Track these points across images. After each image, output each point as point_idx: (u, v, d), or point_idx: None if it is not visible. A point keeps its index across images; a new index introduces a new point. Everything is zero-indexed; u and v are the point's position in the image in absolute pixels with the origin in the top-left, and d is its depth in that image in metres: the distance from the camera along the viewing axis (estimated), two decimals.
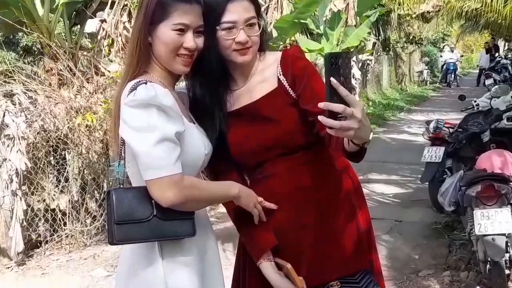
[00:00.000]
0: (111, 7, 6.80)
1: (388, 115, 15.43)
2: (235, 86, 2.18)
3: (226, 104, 2.16)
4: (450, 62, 24.62)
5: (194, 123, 2.06)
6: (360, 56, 15.41)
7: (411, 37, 26.27)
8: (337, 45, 14.87)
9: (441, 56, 27.13)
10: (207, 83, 2.09)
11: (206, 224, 2.13)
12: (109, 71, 6.39)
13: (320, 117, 1.64)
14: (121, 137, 1.91)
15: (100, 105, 5.79)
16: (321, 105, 1.62)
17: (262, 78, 2.14)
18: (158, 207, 1.84)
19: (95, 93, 5.95)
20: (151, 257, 1.92)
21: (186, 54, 1.96)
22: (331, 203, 2.14)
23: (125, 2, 6.57)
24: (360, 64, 15.51)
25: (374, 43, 18.58)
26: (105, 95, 5.88)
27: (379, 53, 20.99)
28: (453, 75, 24.90)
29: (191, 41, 1.94)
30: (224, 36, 2.01)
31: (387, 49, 22.51)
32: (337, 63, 1.66)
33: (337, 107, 1.60)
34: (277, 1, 9.47)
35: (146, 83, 1.88)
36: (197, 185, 1.90)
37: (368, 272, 2.15)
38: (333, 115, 1.64)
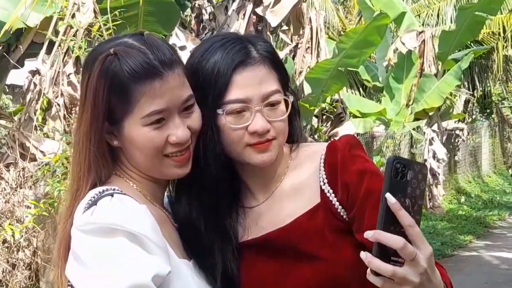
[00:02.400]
0: (49, 51, 6.95)
1: (492, 218, 15.32)
2: (251, 201, 2.19)
3: (236, 231, 2.17)
4: None
5: (190, 259, 2.07)
6: (444, 124, 15.52)
7: None
8: (407, 105, 15.03)
9: None
10: (203, 199, 2.11)
11: None
12: (43, 153, 6.46)
13: (363, 254, 1.63)
14: (69, 282, 1.93)
15: (28, 207, 5.83)
16: (369, 234, 1.62)
17: (295, 188, 2.14)
18: None
19: (20, 188, 6.00)
20: None
21: (177, 150, 2.00)
22: None
23: (72, 44, 6.72)
24: (445, 137, 15.58)
25: (467, 102, 18.78)
26: (36, 191, 5.93)
27: (474, 118, 21.16)
28: None
29: (179, 129, 1.97)
30: (231, 124, 2.01)
31: (488, 111, 22.72)
32: (405, 175, 1.65)
33: (394, 240, 1.61)
34: (311, 39, 9.64)
35: (112, 195, 1.90)
36: None
37: None
38: (385, 254, 1.65)
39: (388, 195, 1.62)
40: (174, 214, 2.15)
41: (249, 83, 2.02)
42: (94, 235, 1.83)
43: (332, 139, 2.25)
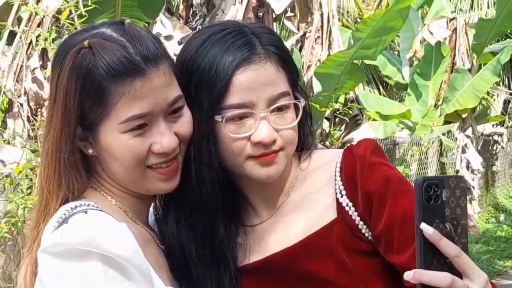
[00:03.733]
0: (9, 42, 6.98)
1: None
2: (253, 218, 2.20)
3: (235, 253, 2.17)
4: None
5: (179, 287, 2.09)
6: (480, 128, 15.53)
7: None
8: (436, 106, 15.02)
9: None
10: (195, 217, 2.12)
11: None
12: (3, 162, 6.49)
13: None
14: None
15: None
16: (409, 276, 1.60)
17: (305, 203, 2.15)
18: None
19: None
20: None
21: (162, 161, 2.01)
22: None
23: (37, 33, 6.75)
24: (481, 143, 15.60)
25: (507, 102, 18.78)
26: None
27: None
28: None
29: (164, 137, 1.97)
30: (231, 133, 2.01)
31: None
32: (439, 196, 1.67)
33: (439, 278, 1.61)
34: (321, 27, 9.66)
35: (86, 212, 1.91)
36: None
37: None
38: None
39: (423, 226, 1.62)
40: (161, 234, 2.15)
41: (253, 85, 2.01)
42: (64, 259, 1.83)
43: (348, 145, 2.19)
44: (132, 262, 1.86)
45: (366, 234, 2.05)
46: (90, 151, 1.98)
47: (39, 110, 6.62)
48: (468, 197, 14.83)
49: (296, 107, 2.05)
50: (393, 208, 1.96)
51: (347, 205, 2.07)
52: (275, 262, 2.11)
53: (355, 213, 2.06)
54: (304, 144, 2.18)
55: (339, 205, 2.08)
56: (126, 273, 1.85)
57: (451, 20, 14.42)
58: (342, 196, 2.08)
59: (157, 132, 1.96)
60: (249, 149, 2.02)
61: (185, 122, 2.01)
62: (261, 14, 8.29)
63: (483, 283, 1.63)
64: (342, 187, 2.09)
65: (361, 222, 2.06)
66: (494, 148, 17.53)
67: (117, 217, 1.96)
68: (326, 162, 2.17)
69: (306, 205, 2.15)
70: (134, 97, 1.92)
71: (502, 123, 17.20)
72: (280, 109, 2.02)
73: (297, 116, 2.06)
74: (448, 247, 1.59)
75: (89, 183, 2.03)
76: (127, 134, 1.94)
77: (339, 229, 2.07)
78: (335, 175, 2.12)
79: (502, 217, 17.01)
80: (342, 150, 2.14)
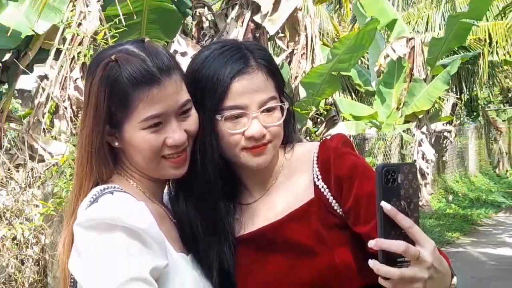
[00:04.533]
0: (56, 57, 6.96)
1: (479, 216, 15.37)
2: (247, 198, 2.19)
3: (233, 226, 2.17)
4: None
5: (188, 254, 2.07)
6: (433, 126, 15.54)
7: (510, 95, 26.59)
8: (398, 109, 15.05)
9: None
10: (201, 197, 2.12)
11: None
12: (50, 154, 6.46)
13: (371, 262, 1.65)
14: (71, 275, 1.94)
15: (36, 206, 5.83)
16: (372, 243, 1.63)
17: (290, 185, 2.15)
18: None
19: (29, 188, 6.00)
20: None
21: (174, 152, 2.00)
22: None
23: (78, 50, 6.72)
24: (433, 138, 15.61)
25: (455, 105, 18.82)
26: (44, 191, 5.93)
27: (462, 121, 21.19)
28: None
29: (176, 133, 1.97)
30: (229, 129, 2.03)
31: (475, 113, 22.75)
32: (396, 179, 1.68)
33: (396, 246, 1.62)
34: (306, 45, 9.64)
35: (112, 193, 1.92)
36: None
37: None
38: (391, 258, 1.66)
39: (383, 203, 1.64)
40: (173, 211, 2.16)
41: (247, 91, 2.02)
42: (95, 230, 1.84)
43: (323, 139, 2.24)
44: (149, 233, 1.87)
45: (338, 210, 2.06)
46: (116, 144, 1.99)
47: (79, 112, 6.60)
48: (423, 182, 14.86)
49: (282, 109, 2.07)
50: (359, 188, 1.97)
51: (322, 187, 2.08)
52: (265, 233, 2.12)
53: (329, 194, 2.07)
54: (289, 138, 2.19)
55: (316, 187, 2.09)
56: (145, 242, 1.85)
57: (409, 39, 14.39)
58: (318, 179, 2.10)
59: (170, 129, 1.98)
60: (243, 142, 2.04)
61: (192, 121, 2.03)
62: (258, 35, 8.26)
63: (431, 249, 1.65)
64: (318, 173, 2.10)
65: (334, 201, 2.07)
66: (444, 142, 17.55)
67: (137, 197, 1.97)
68: (306, 152, 2.18)
69: (290, 187, 2.16)
70: (151, 101, 1.93)
71: (450, 122, 17.24)
72: (268, 110, 2.04)
73: (282, 115, 2.08)
74: (403, 220, 1.61)
75: (115, 170, 2.04)
76: (145, 130, 1.96)
77: (316, 207, 2.08)
78: (313, 163, 2.13)
79: (450, 197, 17.06)
80: (318, 143, 2.16)
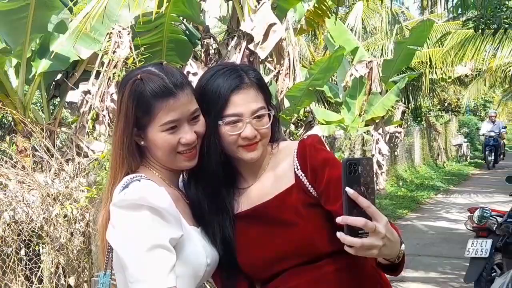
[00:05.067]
0: (97, 77, 6.95)
1: (423, 197, 15.41)
2: (243, 184, 2.18)
3: (232, 206, 2.15)
4: (489, 137, 21.53)
5: (198, 227, 2.07)
6: (387, 128, 15.54)
7: (446, 105, 26.58)
8: (360, 115, 15.07)
9: (478, 129, 25.31)
10: (207, 183, 2.11)
11: None
12: (93, 151, 6.45)
13: (338, 234, 1.68)
14: (109, 243, 1.94)
15: (82, 191, 5.82)
16: (339, 219, 1.67)
17: (276, 174, 2.15)
18: None
19: (76, 177, 5.99)
20: None
21: (186, 149, 2.00)
22: None
23: (113, 72, 6.72)
24: (387, 137, 15.61)
25: (403, 112, 18.80)
26: (88, 179, 5.92)
27: (409, 124, 21.19)
28: (493, 154, 21.67)
29: (187, 134, 1.97)
30: (228, 132, 2.03)
31: (419, 119, 22.75)
32: (357, 170, 1.71)
33: (357, 221, 1.64)
34: (289, 67, 9.63)
35: (140, 180, 1.93)
36: None
37: None
38: (353, 231, 1.68)
39: (347, 189, 1.67)
40: (186, 194, 2.14)
41: (242, 102, 2.04)
42: (126, 209, 1.86)
43: (301, 138, 2.28)
44: (168, 211, 1.88)
45: (313, 193, 2.06)
46: (142, 143, 1.99)
47: (114, 119, 6.57)
48: (380, 171, 14.87)
49: (269, 116, 2.06)
50: (329, 175, 1.97)
51: (301, 175, 2.10)
52: (257, 211, 2.13)
53: (306, 180, 2.09)
54: (275, 137, 2.18)
55: (296, 175, 2.11)
56: (164, 218, 1.87)
57: (368, 62, 14.38)
58: (298, 169, 2.11)
59: (183, 131, 1.99)
60: (239, 141, 2.06)
61: (200, 125, 2.03)
62: (252, 59, 8.25)
63: (384, 223, 1.69)
64: (297, 164, 2.12)
65: (310, 185, 2.07)
66: (395, 141, 17.51)
67: (158, 183, 1.97)
68: (288, 148, 2.19)
69: (276, 175, 2.16)
70: (168, 110, 1.95)
71: (400, 125, 17.19)
72: (259, 116, 2.06)
73: (269, 120, 2.05)
74: (363, 202, 1.66)
75: (141, 163, 2.05)
76: (164, 132, 1.97)
77: (296, 190, 2.10)
78: (294, 156, 2.14)
79: (400, 183, 17.10)
80: (298, 141, 2.18)
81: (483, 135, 22.31)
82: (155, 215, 1.84)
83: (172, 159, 2.00)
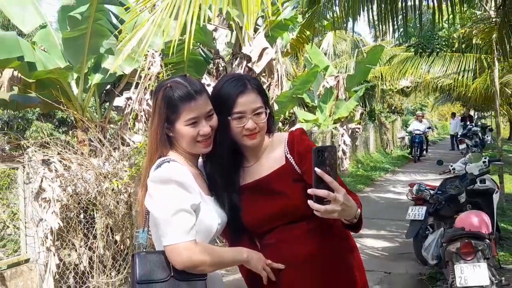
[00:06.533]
0: (136, 87, 6.94)
1: (375, 176, 15.39)
2: (247, 163, 2.18)
3: (239, 180, 2.16)
4: (416, 134, 19.30)
5: (212, 196, 2.07)
6: (350, 125, 15.56)
7: (393, 108, 26.59)
8: (330, 116, 15.09)
9: (406, 127, 22.37)
10: (220, 163, 2.11)
11: (220, 286, 2.11)
12: (133, 142, 6.45)
13: (309, 202, 1.72)
14: (146, 208, 1.95)
15: (125, 171, 5.81)
16: (309, 191, 1.71)
17: (271, 156, 2.14)
18: (175, 269, 1.85)
19: (121, 161, 5.99)
20: None
21: (203, 139, 1.99)
22: (333, 266, 2.11)
23: (148, 83, 6.70)
24: (350, 132, 15.62)
25: (362, 114, 18.81)
26: (129, 162, 5.91)
27: (366, 122, 21.19)
28: (419, 149, 19.42)
29: (205, 127, 1.96)
30: (235, 125, 2.03)
31: (373, 118, 22.76)
32: (323, 155, 1.73)
33: (322, 193, 1.69)
34: (278, 80, 9.63)
35: (169, 162, 1.92)
36: (209, 251, 1.89)
37: None
38: (320, 199, 1.70)
39: (316, 169, 1.70)
40: (204, 171, 2.14)
41: (246, 103, 2.03)
42: (159, 183, 1.87)
43: (290, 130, 2.28)
44: (190, 185, 1.90)
45: (298, 171, 2.06)
46: (171, 134, 1.97)
47: (149, 118, 6.56)
48: (344, 157, 14.89)
49: (266, 113, 2.07)
50: (310, 159, 1.92)
51: (290, 158, 2.11)
52: (257, 184, 2.13)
53: (293, 161, 2.09)
54: (271, 129, 2.16)
55: (286, 158, 2.12)
56: (187, 189, 1.88)
57: (336, 77, 14.36)
58: (288, 153, 2.13)
59: (201, 125, 1.96)
60: (244, 132, 2.06)
61: (214, 121, 2.00)
62: (250, 74, 8.24)
63: (342, 194, 1.72)
64: (287, 149, 2.13)
65: (296, 166, 2.08)
66: (355, 134, 17.51)
67: (183, 164, 1.95)
68: (280, 137, 2.19)
69: (271, 157, 2.17)
70: (190, 110, 1.94)
71: (359, 123, 17.20)
72: (258, 113, 2.06)
73: (266, 116, 2.05)
74: (327, 178, 1.70)
75: (171, 149, 2.01)
76: (187, 126, 1.95)
77: (286, 169, 2.11)
78: (284, 144, 2.14)
79: (359, 165, 17.04)
80: (288, 132, 2.18)
81: (410, 132, 19.94)
82: (180, 187, 1.85)
83: (193, 146, 1.99)
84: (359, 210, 1.91)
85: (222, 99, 2.04)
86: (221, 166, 2.10)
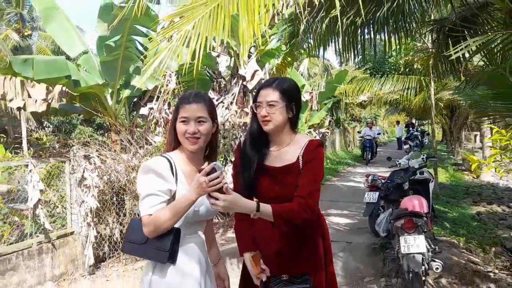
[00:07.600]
0: (157, 99, 6.91)
1: (340, 168, 15.36)
2: (271, 148, 2.14)
3: (265, 158, 2.11)
4: (367, 139, 17.31)
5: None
6: (320, 130, 15.54)
7: (354, 117, 26.63)
8: (305, 122, 15.11)
9: (359, 132, 20.00)
10: (250, 146, 2.11)
11: (205, 265, 1.99)
12: (154, 142, 6.42)
13: (211, 200, 1.78)
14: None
15: None
16: (210, 194, 1.78)
17: (290, 151, 2.10)
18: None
19: (145, 156, 5.96)
20: (147, 271, 1.90)
21: (190, 136, 1.92)
22: (305, 232, 2.12)
23: (166, 97, 6.67)
24: (320, 135, 15.63)
25: (330, 121, 18.83)
26: (152, 158, 5.89)
27: (333, 128, 21.24)
28: (370, 153, 17.21)
29: (191, 127, 1.89)
30: (258, 112, 2.07)
31: (338, 125, 22.77)
32: (214, 171, 1.76)
33: (215, 195, 1.77)
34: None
35: (160, 157, 1.90)
36: (159, 214, 1.78)
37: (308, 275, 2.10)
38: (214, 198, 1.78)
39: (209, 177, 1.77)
40: (239, 155, 2.14)
41: (264, 95, 2.04)
42: (142, 172, 1.86)
43: (312, 138, 2.19)
44: (166, 175, 1.86)
45: (301, 171, 2.05)
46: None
47: (167, 123, 6.53)
48: None
49: (282, 108, 2.04)
50: (308, 166, 2.05)
51: (300, 159, 2.07)
52: (275, 170, 2.09)
53: (301, 163, 2.06)
54: (294, 128, 2.13)
55: (297, 158, 2.07)
56: (164, 178, 1.84)
57: (310, 92, 14.32)
58: (300, 155, 2.07)
59: (189, 125, 1.92)
60: (260, 118, 2.05)
61: (203, 128, 1.92)
62: (244, 90, 8.21)
63: (225, 199, 1.81)
64: (302, 152, 2.07)
65: (301, 166, 2.06)
66: (325, 137, 17.54)
67: (180, 161, 1.91)
68: (302, 140, 2.13)
69: (290, 152, 2.10)
70: (184, 110, 1.91)
71: (328, 129, 17.21)
72: (271, 105, 2.02)
73: (281, 111, 2.03)
74: (212, 189, 1.82)
75: (178, 148, 1.97)
76: (180, 123, 1.92)
77: (294, 167, 2.07)
78: (303, 146, 2.09)
79: (328, 161, 17.00)
80: (310, 137, 2.11)
81: (362, 137, 17.85)
82: (157, 176, 1.83)
83: (183, 141, 1.93)
84: (256, 212, 1.88)
85: (257, 92, 2.07)
86: (251, 147, 2.10)
